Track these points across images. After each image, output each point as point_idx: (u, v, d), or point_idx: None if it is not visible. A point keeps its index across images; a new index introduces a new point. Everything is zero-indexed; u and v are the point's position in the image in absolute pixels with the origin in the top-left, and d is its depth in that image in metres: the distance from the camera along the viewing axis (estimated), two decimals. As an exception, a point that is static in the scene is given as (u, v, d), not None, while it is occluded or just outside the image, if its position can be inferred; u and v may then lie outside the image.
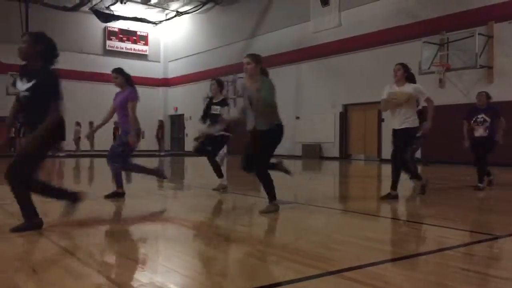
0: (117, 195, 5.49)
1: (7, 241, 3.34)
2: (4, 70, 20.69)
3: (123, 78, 5.56)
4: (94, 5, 24.61)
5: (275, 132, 4.69)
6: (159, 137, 23.43)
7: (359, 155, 18.29)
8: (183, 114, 28.44)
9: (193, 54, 27.27)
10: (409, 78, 5.69)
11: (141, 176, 6.54)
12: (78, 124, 21.55)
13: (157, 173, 6.07)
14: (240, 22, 23.76)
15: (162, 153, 22.30)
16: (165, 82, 29.38)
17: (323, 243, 3.26)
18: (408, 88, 5.57)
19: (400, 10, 16.51)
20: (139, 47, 28.37)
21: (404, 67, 5.68)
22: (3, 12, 22.57)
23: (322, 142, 19.20)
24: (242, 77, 24.18)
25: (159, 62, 29.11)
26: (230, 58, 24.15)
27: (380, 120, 16.92)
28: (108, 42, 27.30)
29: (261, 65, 4.69)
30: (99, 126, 5.67)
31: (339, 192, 7.80)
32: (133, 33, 27.98)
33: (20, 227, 3.48)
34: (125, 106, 5.45)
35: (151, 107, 25.36)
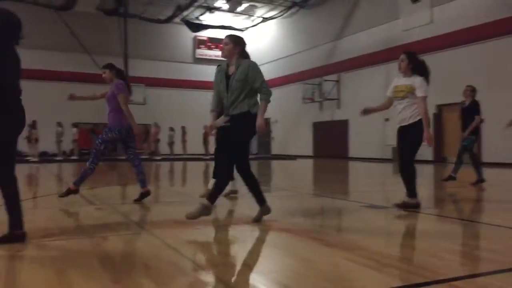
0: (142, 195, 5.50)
1: (120, 237, 3.64)
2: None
3: (110, 73, 5.49)
4: (185, 16, 25.87)
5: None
6: None
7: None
8: (270, 118, 28.82)
9: (278, 59, 27.55)
10: (417, 69, 4.97)
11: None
12: (171, 129, 22.73)
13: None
14: (326, 24, 23.57)
15: (250, 157, 22.74)
16: (252, 87, 29.99)
17: (427, 250, 3.13)
18: (411, 80, 4.90)
19: (497, 2, 15.34)
20: (226, 54, 29.27)
21: (409, 57, 4.98)
22: (103, 27, 24.52)
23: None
24: (328, 80, 23.98)
25: (246, 67, 29.76)
26: (316, 61, 24.06)
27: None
28: (197, 51, 28.55)
29: (241, 47, 4.28)
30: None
31: (437, 196, 7.42)
32: (221, 40, 28.85)
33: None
34: (111, 101, 5.35)
35: (239, 111, 25.93)
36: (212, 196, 4.00)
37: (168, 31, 27.08)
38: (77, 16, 23.35)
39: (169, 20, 25.87)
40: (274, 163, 19.07)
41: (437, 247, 3.24)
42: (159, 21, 25.70)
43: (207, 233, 3.91)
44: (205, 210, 3.92)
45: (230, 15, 27.61)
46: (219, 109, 4.35)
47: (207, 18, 26.40)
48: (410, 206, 4.87)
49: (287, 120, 26.71)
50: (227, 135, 4.24)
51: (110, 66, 5.57)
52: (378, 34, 20.00)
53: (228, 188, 5.67)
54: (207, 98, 26.92)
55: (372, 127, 19.32)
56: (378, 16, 20.23)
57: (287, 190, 7.73)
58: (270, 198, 6.92)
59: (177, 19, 26.11)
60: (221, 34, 28.71)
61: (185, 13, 25.54)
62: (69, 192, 5.36)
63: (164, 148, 22.55)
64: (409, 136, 4.91)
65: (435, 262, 2.78)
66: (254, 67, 4.17)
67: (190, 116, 25.28)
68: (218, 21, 27.09)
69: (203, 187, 6.63)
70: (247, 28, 29.44)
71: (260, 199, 4.22)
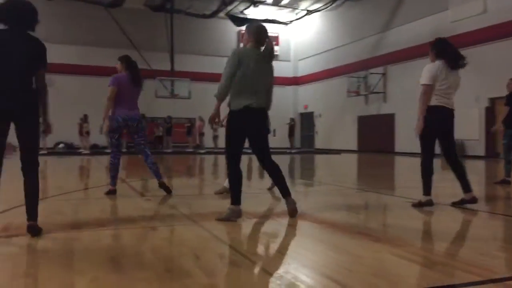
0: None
1: (170, 228, 3.75)
2: (152, 75, 23.00)
3: (121, 65, 5.63)
4: (229, 10, 26.05)
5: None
6: (290, 135, 23.89)
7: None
8: (313, 112, 28.61)
9: (323, 52, 27.24)
10: (440, 54, 4.69)
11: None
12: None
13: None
14: (372, 16, 23.07)
15: (293, 151, 22.71)
16: (295, 81, 29.85)
17: (479, 248, 3.03)
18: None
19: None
20: (270, 48, 29.26)
21: (432, 43, 4.78)
22: (151, 23, 25.08)
23: (465, 139, 17.71)
24: (374, 73, 23.50)
25: (289, 61, 29.66)
26: (361, 54, 23.61)
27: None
28: (241, 45, 28.61)
29: (252, 37, 4.01)
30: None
31: (490, 194, 7.13)
32: (265, 34, 28.94)
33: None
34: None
35: (282, 105, 25.93)
36: (232, 198, 3.93)
37: (212, 26, 27.35)
38: (126, 13, 24.01)
39: (213, 15, 26.13)
40: (318, 158, 18.94)
41: (490, 246, 3.14)
42: (204, 16, 26.02)
43: (252, 225, 3.96)
44: (234, 213, 3.87)
45: (274, 8, 27.55)
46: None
47: (251, 12, 26.46)
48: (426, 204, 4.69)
49: (331, 114, 26.41)
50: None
51: (121, 59, 5.70)
52: (426, 26, 19.35)
53: (270, 182, 5.70)
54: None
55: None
56: (426, 7, 19.59)
57: (331, 185, 7.67)
58: (314, 192, 6.93)
59: (222, 14, 26.33)
60: (266, 27, 28.75)
61: (229, 7, 25.72)
62: (109, 192, 5.52)
63: (208, 142, 22.89)
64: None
65: (488, 261, 2.69)
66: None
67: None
68: (262, 14, 27.09)
69: (246, 180, 6.69)
70: (291, 21, 29.28)
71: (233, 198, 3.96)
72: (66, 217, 4.16)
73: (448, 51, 4.71)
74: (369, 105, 23.49)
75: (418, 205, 4.72)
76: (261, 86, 3.94)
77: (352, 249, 3.02)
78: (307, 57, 28.94)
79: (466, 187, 4.76)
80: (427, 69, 4.67)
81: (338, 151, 23.43)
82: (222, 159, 16.63)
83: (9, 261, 2.70)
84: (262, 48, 4.01)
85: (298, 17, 28.90)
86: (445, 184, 6.41)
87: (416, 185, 6.73)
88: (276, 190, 5.67)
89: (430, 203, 4.70)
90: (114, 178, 5.56)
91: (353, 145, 24.42)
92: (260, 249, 3.18)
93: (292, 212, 4.01)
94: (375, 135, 22.65)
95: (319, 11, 26.94)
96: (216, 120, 4.12)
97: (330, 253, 2.96)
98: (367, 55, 23.29)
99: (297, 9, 28.15)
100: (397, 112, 21.13)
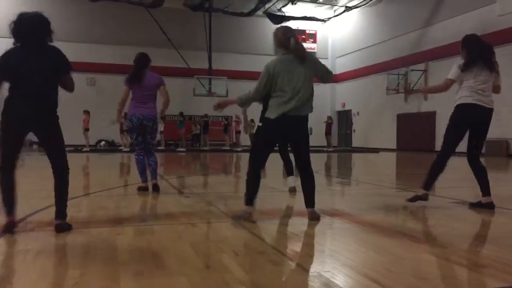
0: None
1: (208, 224, 3.81)
2: (191, 74, 23.32)
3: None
4: (267, 8, 26.04)
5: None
6: (327, 133, 23.66)
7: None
8: (351, 110, 28.23)
9: (361, 49, 26.82)
10: (469, 52, 4.52)
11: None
12: (252, 121, 23.05)
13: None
14: (413, 11, 22.51)
15: (330, 149, 22.48)
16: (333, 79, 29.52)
17: (527, 251, 2.92)
18: None
19: None
20: (308, 45, 29.03)
21: (463, 40, 4.62)
22: (189, 22, 25.42)
23: (510, 138, 17.05)
24: (414, 70, 22.88)
25: (327, 58, 29.36)
26: (402, 50, 23.10)
27: None
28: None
29: (276, 39, 3.96)
30: None
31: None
32: (302, 32, 28.79)
33: None
34: None
35: (319, 103, 25.67)
36: (246, 198, 3.89)
37: (250, 24, 27.43)
38: (166, 13, 24.43)
39: (251, 13, 26.19)
40: (355, 156, 18.69)
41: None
42: (242, 15, 26.13)
43: (292, 224, 3.96)
44: (244, 214, 3.83)
45: (312, 5, 27.35)
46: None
47: (289, 10, 26.37)
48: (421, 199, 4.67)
49: (369, 112, 25.98)
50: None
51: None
52: (471, 20, 18.70)
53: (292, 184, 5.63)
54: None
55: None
56: (471, 1, 18.92)
57: (369, 184, 7.56)
58: (352, 192, 6.85)
59: (259, 12, 26.36)
60: (303, 25, 28.60)
61: (267, 5, 25.72)
62: (141, 189, 5.62)
63: (245, 140, 23.02)
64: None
65: (537, 265, 2.59)
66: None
67: (270, 108, 25.50)
68: (300, 12, 26.94)
69: (282, 179, 6.68)
70: (329, 18, 28.98)
71: (247, 199, 3.91)
72: (109, 212, 4.30)
73: (472, 52, 4.52)
74: (409, 102, 22.95)
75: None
76: (298, 92, 3.76)
77: (392, 249, 2.97)
78: (345, 54, 28.57)
79: (485, 190, 4.60)
80: (454, 66, 4.62)
81: (376, 150, 23.02)
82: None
83: (56, 254, 2.82)
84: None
85: (336, 14, 28.57)
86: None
87: (460, 185, 6.54)
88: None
89: (425, 198, 4.67)
90: (142, 174, 5.67)
91: (392, 144, 23.93)
92: (299, 248, 3.18)
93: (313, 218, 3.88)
94: (415, 134, 22.11)
95: (358, 7, 26.53)
96: (219, 109, 4.33)
97: (369, 253, 2.92)
98: (407, 52, 22.76)
99: (335, 5, 27.84)
100: (438, 110, 20.53)
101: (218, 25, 25.41)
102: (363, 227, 3.75)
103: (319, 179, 7.60)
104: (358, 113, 27.38)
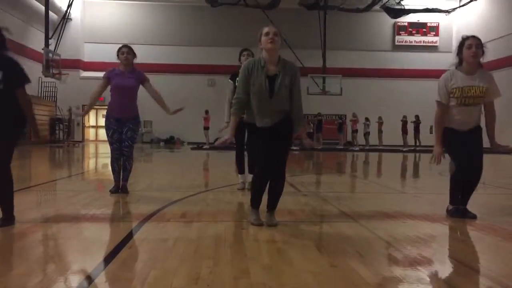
0: None
1: (330, 224, 3.81)
2: (305, 72, 23.43)
3: (133, 56, 5.04)
4: (385, 2, 25.09)
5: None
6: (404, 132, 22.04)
7: None
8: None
9: (490, 40, 24.50)
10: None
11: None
12: (367, 119, 22.48)
13: None
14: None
15: (405, 149, 20.88)
16: (457, 74, 27.50)
17: None
18: (485, 78, 4.10)
19: None
20: (428, 39, 27.44)
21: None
22: (303, 21, 25.55)
23: None
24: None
25: (451, 52, 27.37)
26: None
27: None
28: (397, 37, 27.42)
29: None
30: None
31: None
32: (423, 25, 27.25)
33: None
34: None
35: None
36: (251, 201, 3.68)
37: (366, 20, 26.69)
38: (281, 13, 24.86)
39: (368, 8, 25.45)
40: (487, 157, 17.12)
41: None
42: (358, 10, 25.52)
43: (414, 227, 3.80)
44: (252, 215, 3.63)
45: (434, -4, 25.75)
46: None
47: (408, 3, 25.12)
48: None
49: (497, 107, 23.65)
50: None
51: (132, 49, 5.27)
52: None
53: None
54: (407, 86, 25.51)
55: None
56: None
57: (501, 188, 6.91)
58: (483, 196, 6.32)
59: (377, 7, 25.52)
60: (423, 18, 27.04)
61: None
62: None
63: (360, 139, 22.54)
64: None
65: None
66: (299, 72, 3.67)
67: (386, 106, 24.64)
68: (421, 4, 25.50)
69: (399, 180, 6.42)
70: (454, 9, 26.97)
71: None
72: (232, 207, 4.53)
73: None
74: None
75: None
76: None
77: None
78: (471, 47, 26.38)
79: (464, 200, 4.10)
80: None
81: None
82: (374, 157, 16.20)
83: (191, 244, 3.05)
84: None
85: (461, 4, 26.49)
86: None
87: None
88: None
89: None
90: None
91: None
92: (426, 252, 3.04)
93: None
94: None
95: (487, -5, 24.33)
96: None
97: (508, 262, 2.70)
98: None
99: (461, -5, 25.87)
100: None
101: (333, 22, 25.14)
102: (499, 234, 3.45)
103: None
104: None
